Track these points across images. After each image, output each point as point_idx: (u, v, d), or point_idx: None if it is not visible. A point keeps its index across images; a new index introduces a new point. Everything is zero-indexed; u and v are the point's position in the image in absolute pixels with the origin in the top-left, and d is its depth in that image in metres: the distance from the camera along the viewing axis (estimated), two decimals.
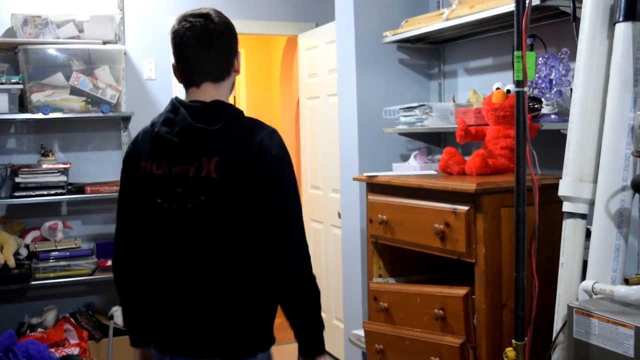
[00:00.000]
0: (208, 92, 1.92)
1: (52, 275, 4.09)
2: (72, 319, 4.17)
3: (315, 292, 1.91)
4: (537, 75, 2.85)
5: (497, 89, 2.98)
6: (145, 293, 2.02)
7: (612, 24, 2.28)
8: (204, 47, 1.88)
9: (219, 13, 1.93)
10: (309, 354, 1.94)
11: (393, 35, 3.67)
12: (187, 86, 1.95)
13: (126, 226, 2.04)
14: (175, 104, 1.90)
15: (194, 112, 1.86)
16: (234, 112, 1.90)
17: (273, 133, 1.88)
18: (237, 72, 1.98)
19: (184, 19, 1.91)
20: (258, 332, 1.93)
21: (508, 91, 2.95)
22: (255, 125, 1.90)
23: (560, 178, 2.39)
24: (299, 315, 1.91)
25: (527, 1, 2.14)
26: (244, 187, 1.83)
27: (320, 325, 1.93)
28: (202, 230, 1.86)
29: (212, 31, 1.88)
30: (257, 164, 1.83)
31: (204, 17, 1.89)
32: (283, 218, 1.84)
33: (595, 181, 2.31)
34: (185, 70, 1.92)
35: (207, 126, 1.84)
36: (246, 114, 1.96)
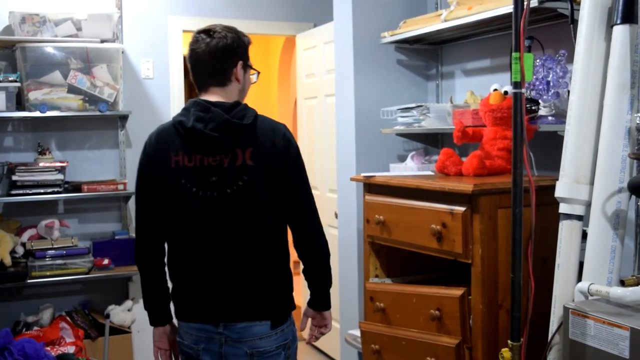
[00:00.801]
0: (215, 94, 2.24)
1: (48, 273, 4.08)
2: (68, 318, 4.16)
3: (327, 255, 2.34)
4: (534, 76, 2.86)
5: (495, 90, 2.99)
6: (180, 273, 2.28)
7: (609, 26, 2.28)
8: (206, 58, 2.22)
9: (225, 29, 2.24)
10: (318, 308, 2.40)
11: (391, 35, 3.67)
12: (199, 89, 2.28)
13: (150, 214, 2.29)
14: (203, 103, 2.19)
15: (225, 110, 2.17)
16: (254, 111, 2.23)
17: (287, 128, 2.28)
18: (239, 80, 2.27)
19: (196, 33, 2.26)
20: (289, 296, 2.31)
21: (505, 92, 2.95)
22: (273, 122, 2.27)
23: (557, 179, 2.39)
24: (315, 273, 2.34)
25: (525, 3, 2.14)
26: (274, 172, 2.19)
27: (329, 284, 2.38)
28: (243, 211, 2.18)
29: (210, 47, 2.21)
30: (285, 152, 2.20)
31: (208, 33, 2.22)
32: (303, 195, 2.26)
33: (591, 183, 2.31)
34: (196, 77, 2.27)
35: (240, 121, 2.16)
36: None
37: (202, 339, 2.24)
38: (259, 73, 2.41)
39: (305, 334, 2.55)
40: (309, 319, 2.45)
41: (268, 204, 2.21)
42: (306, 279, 2.36)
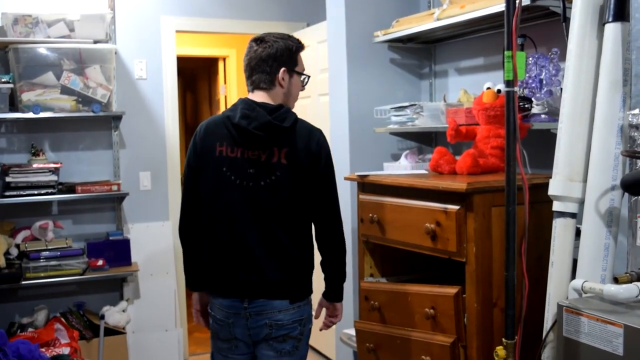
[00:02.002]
0: (259, 96, 2.51)
1: (42, 274, 4.07)
2: (62, 319, 4.15)
3: (343, 253, 2.59)
4: (527, 75, 2.87)
5: (488, 88, 2.99)
6: (213, 253, 2.54)
7: (601, 24, 2.29)
8: (252, 65, 2.52)
9: (274, 38, 2.51)
10: (331, 299, 2.65)
11: (384, 35, 3.67)
12: (248, 90, 2.56)
13: (193, 195, 2.57)
14: (250, 103, 2.47)
15: (269, 111, 2.43)
16: (295, 115, 2.50)
17: (322, 135, 2.53)
18: (282, 85, 2.51)
19: (250, 41, 2.55)
20: (307, 281, 2.55)
21: (499, 91, 2.96)
22: (311, 126, 2.53)
23: (551, 177, 2.40)
24: (331, 267, 2.58)
25: (517, 1, 2.15)
26: (304, 172, 2.45)
27: (343, 278, 2.63)
28: (271, 202, 2.44)
29: (257, 54, 2.50)
30: (316, 155, 2.46)
31: (255, 42, 2.53)
32: (328, 196, 2.52)
33: (585, 180, 2.32)
34: (247, 80, 2.55)
35: (280, 123, 2.42)
36: None
37: (231, 314, 2.51)
38: (308, 77, 2.64)
39: (319, 322, 2.78)
40: (323, 309, 2.71)
41: (294, 199, 2.46)
42: (323, 271, 2.62)
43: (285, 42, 2.52)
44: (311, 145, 2.46)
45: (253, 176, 2.45)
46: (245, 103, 2.47)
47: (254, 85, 2.53)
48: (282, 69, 2.50)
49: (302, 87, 2.63)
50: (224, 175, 2.46)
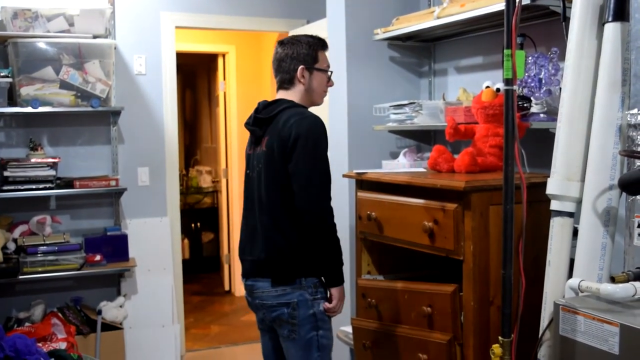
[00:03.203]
0: (280, 94, 2.72)
1: (40, 269, 4.07)
2: (59, 314, 4.15)
3: (326, 234, 2.57)
4: (526, 74, 2.87)
5: (487, 87, 2.99)
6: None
7: (601, 24, 2.29)
8: (275, 67, 2.73)
9: (294, 39, 2.70)
10: (329, 284, 2.64)
11: (384, 32, 3.67)
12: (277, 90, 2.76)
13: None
14: (261, 103, 2.72)
15: (260, 107, 2.70)
16: (287, 105, 2.63)
17: (304, 119, 2.56)
18: (303, 83, 2.68)
19: (276, 43, 2.76)
20: (292, 264, 2.59)
21: (498, 90, 2.96)
22: (297, 113, 2.60)
23: (549, 176, 2.40)
24: (315, 249, 2.57)
25: (517, 0, 2.15)
26: (276, 156, 2.56)
27: (335, 263, 2.62)
28: (259, 190, 2.64)
29: (278, 56, 2.70)
30: (286, 138, 2.54)
31: (279, 44, 2.72)
32: (300, 179, 2.54)
33: (583, 180, 2.32)
34: (275, 79, 2.75)
35: (264, 116, 2.64)
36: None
37: (246, 292, 2.76)
38: (331, 73, 2.77)
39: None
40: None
41: (272, 185, 2.60)
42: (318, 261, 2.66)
43: (306, 41, 2.70)
44: (283, 130, 2.56)
45: (254, 167, 2.70)
46: (258, 104, 2.73)
47: (277, 86, 2.74)
48: (301, 67, 2.67)
49: (329, 83, 2.78)
50: (246, 170, 2.79)
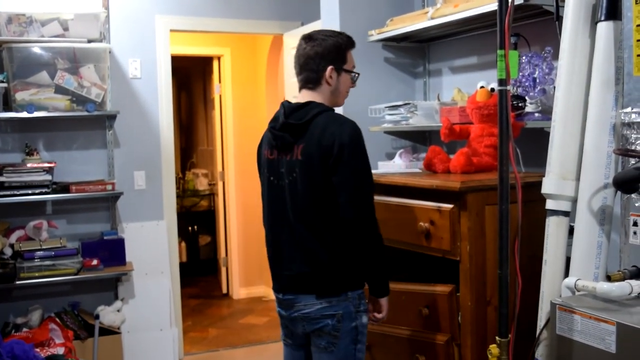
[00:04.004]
0: (305, 95, 2.53)
1: (37, 274, 4.06)
2: (57, 319, 4.15)
3: (372, 245, 2.45)
4: (520, 73, 2.87)
5: (481, 87, 3.00)
6: (266, 247, 2.65)
7: (594, 23, 2.30)
8: (300, 64, 2.54)
9: (324, 35, 2.52)
10: (371, 293, 2.56)
11: (378, 34, 3.68)
12: (299, 89, 2.57)
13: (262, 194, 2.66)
14: (285, 105, 2.51)
15: (288, 111, 2.47)
16: (319, 110, 2.45)
17: (343, 125, 2.42)
18: (329, 83, 2.51)
19: (300, 39, 2.56)
20: (338, 275, 2.46)
21: (492, 90, 2.96)
22: (333, 119, 2.44)
23: (544, 176, 2.40)
24: (361, 260, 2.47)
25: (509, 0, 2.15)
26: (317, 166, 2.40)
27: (377, 273, 2.52)
28: (294, 200, 2.47)
29: (305, 52, 2.51)
30: (328, 147, 2.38)
31: (305, 39, 2.53)
32: (345, 189, 2.39)
33: (577, 179, 2.33)
34: (297, 77, 2.57)
35: (297, 121, 2.44)
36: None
37: (279, 306, 2.61)
38: (357, 75, 2.61)
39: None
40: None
41: (311, 194, 2.43)
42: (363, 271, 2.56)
43: (335, 40, 2.52)
44: (324, 138, 2.39)
45: (282, 175, 2.51)
46: (282, 106, 2.53)
47: (301, 84, 2.56)
48: (330, 67, 2.50)
49: (353, 84, 2.62)
50: (266, 176, 2.58)
